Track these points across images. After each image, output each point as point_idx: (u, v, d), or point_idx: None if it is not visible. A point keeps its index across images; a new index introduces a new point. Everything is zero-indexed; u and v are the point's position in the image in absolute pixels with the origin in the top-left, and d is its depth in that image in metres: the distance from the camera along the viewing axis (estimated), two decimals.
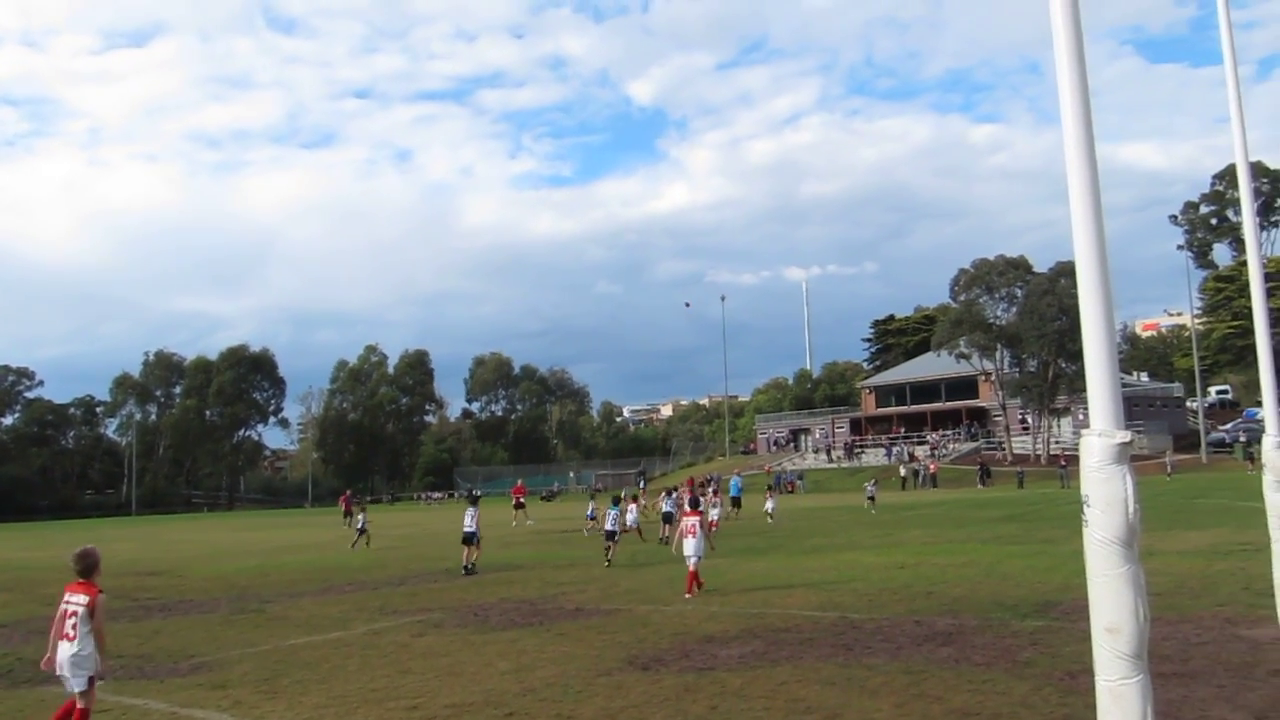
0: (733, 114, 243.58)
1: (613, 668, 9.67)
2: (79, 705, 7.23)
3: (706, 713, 7.71)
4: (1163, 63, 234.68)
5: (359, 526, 30.65)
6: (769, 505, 34.36)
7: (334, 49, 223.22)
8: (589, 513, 33.22)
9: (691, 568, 15.20)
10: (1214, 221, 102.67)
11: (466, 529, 21.01)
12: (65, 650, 7.26)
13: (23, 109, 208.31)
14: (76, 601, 7.38)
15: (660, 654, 10.31)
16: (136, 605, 17.10)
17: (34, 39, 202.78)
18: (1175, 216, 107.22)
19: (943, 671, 8.80)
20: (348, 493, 54.44)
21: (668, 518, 27.42)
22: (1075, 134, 4.33)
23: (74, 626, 7.28)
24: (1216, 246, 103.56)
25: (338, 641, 12.16)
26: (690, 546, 15.28)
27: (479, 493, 32.19)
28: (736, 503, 39.70)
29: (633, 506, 29.22)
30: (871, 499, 39.22)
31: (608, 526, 22.66)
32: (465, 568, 20.39)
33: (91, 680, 7.25)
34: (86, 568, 7.62)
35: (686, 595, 14.88)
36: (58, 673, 7.34)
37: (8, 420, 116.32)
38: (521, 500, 39.80)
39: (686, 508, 17.24)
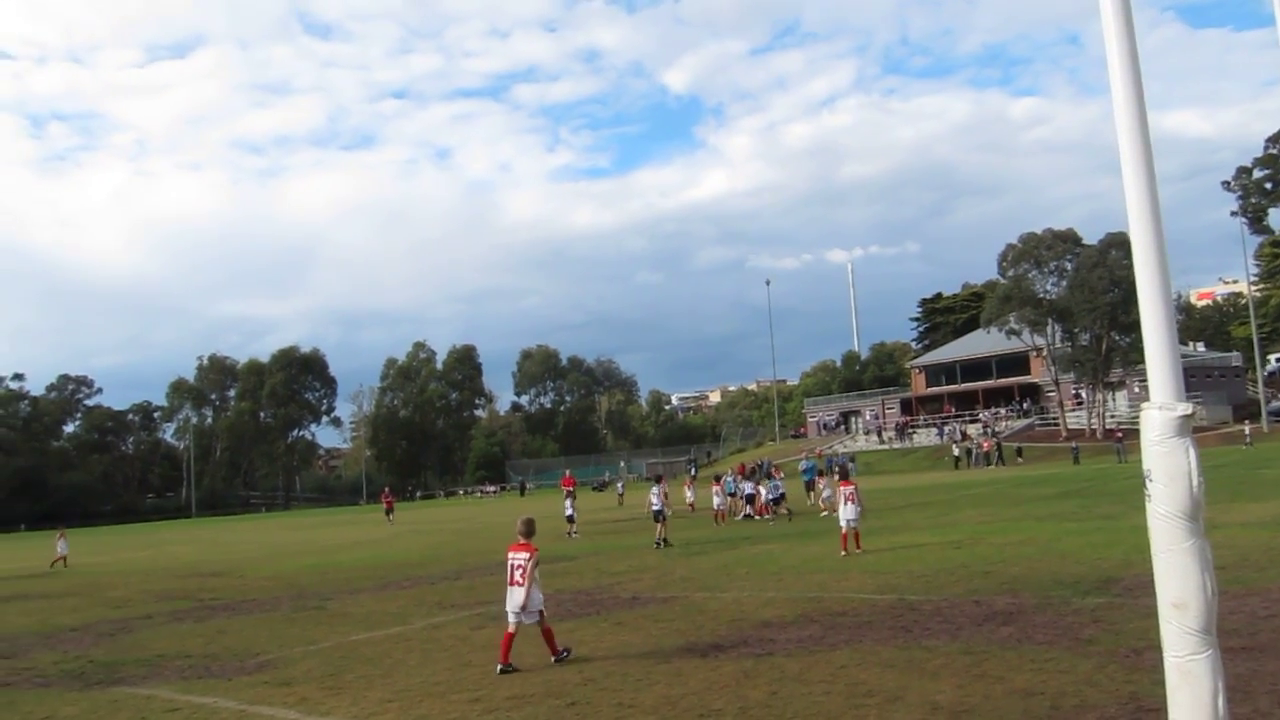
0: (768, 99, 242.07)
1: (671, 655, 9.69)
2: (544, 626, 9.74)
3: (766, 698, 7.70)
4: (1206, 28, 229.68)
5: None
6: (826, 493, 30.06)
7: (370, 51, 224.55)
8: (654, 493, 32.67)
9: (844, 530, 17.75)
10: (1269, 185, 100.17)
11: (654, 507, 23.57)
12: (516, 594, 9.64)
13: (72, 123, 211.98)
14: (520, 557, 9.74)
15: (718, 640, 10.32)
16: (201, 606, 17.41)
17: (79, 55, 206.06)
18: (1228, 182, 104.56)
19: (1004, 651, 8.72)
20: (387, 490, 55.06)
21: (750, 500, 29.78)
22: (1126, 103, 4.25)
23: (522, 575, 9.62)
24: (1272, 211, 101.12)
25: (398, 636, 12.30)
26: (850, 511, 17.71)
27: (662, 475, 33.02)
28: (809, 486, 36.52)
29: (716, 488, 29.71)
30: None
31: (654, 507, 23.85)
32: (657, 543, 22.43)
33: (541, 613, 9.68)
34: (529, 531, 10.14)
35: (842, 552, 17.32)
36: (509, 608, 9.67)
37: (69, 428, 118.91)
38: (571, 490, 39.68)
39: (836, 478, 20.65)
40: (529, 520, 10.39)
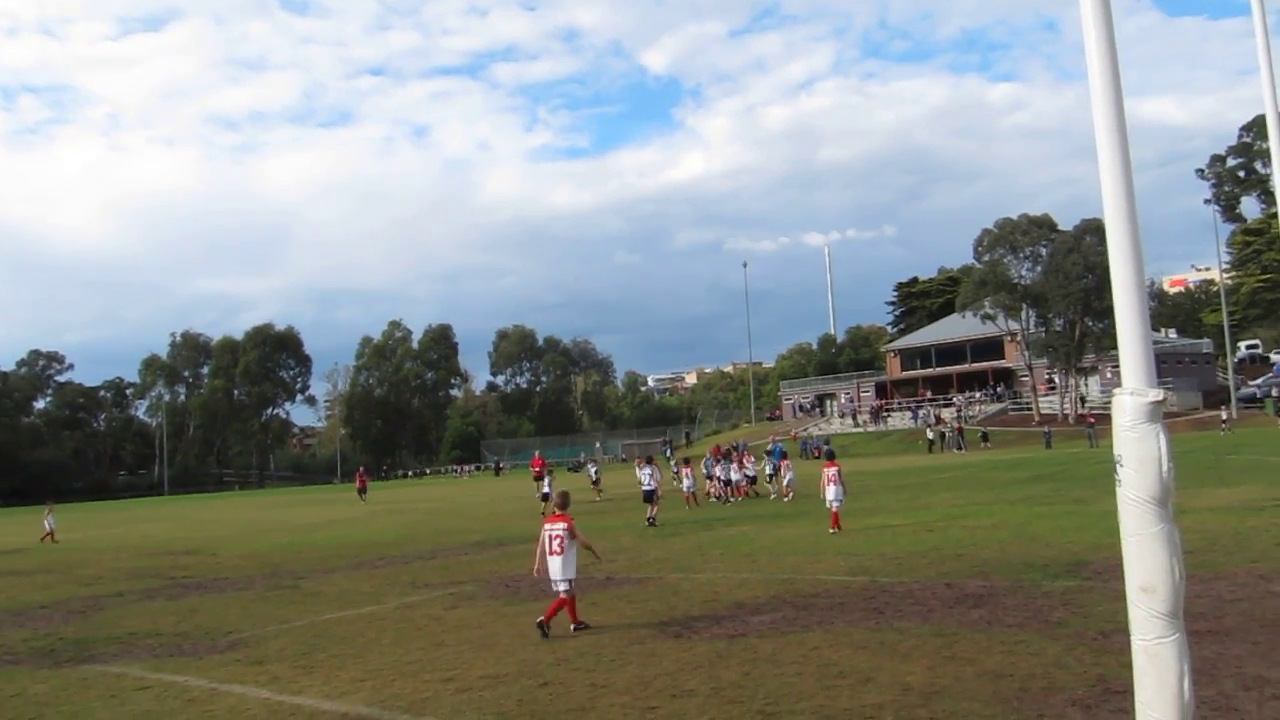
0: (747, 81, 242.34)
1: (645, 636, 9.73)
2: (564, 597, 10.23)
3: (739, 679, 7.75)
4: (1182, 15, 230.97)
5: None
6: (788, 476, 29.18)
7: (348, 27, 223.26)
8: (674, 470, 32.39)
9: (833, 509, 18.43)
10: (1241, 174, 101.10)
11: (646, 487, 24.09)
12: (555, 563, 10.30)
13: (43, 96, 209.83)
14: (558, 528, 10.41)
15: (691, 621, 10.36)
16: (173, 584, 17.33)
17: (51, 27, 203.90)
18: (1202, 170, 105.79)
19: (974, 634, 8.80)
20: (361, 470, 54.83)
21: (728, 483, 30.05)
22: (1103, 89, 4.26)
23: (560, 544, 10.28)
24: (1245, 200, 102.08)
25: (371, 616, 12.28)
26: (834, 492, 18.42)
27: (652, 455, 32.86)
28: (775, 471, 33.17)
29: (685, 470, 29.87)
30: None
31: (646, 486, 24.47)
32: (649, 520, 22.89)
33: (571, 582, 10.32)
34: (564, 503, 11.13)
35: (831, 530, 18.06)
36: (551, 576, 10.39)
37: (40, 404, 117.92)
38: (540, 473, 38.82)
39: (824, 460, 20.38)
40: (564, 493, 11.66)
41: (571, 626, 10.18)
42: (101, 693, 8.77)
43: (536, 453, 44.56)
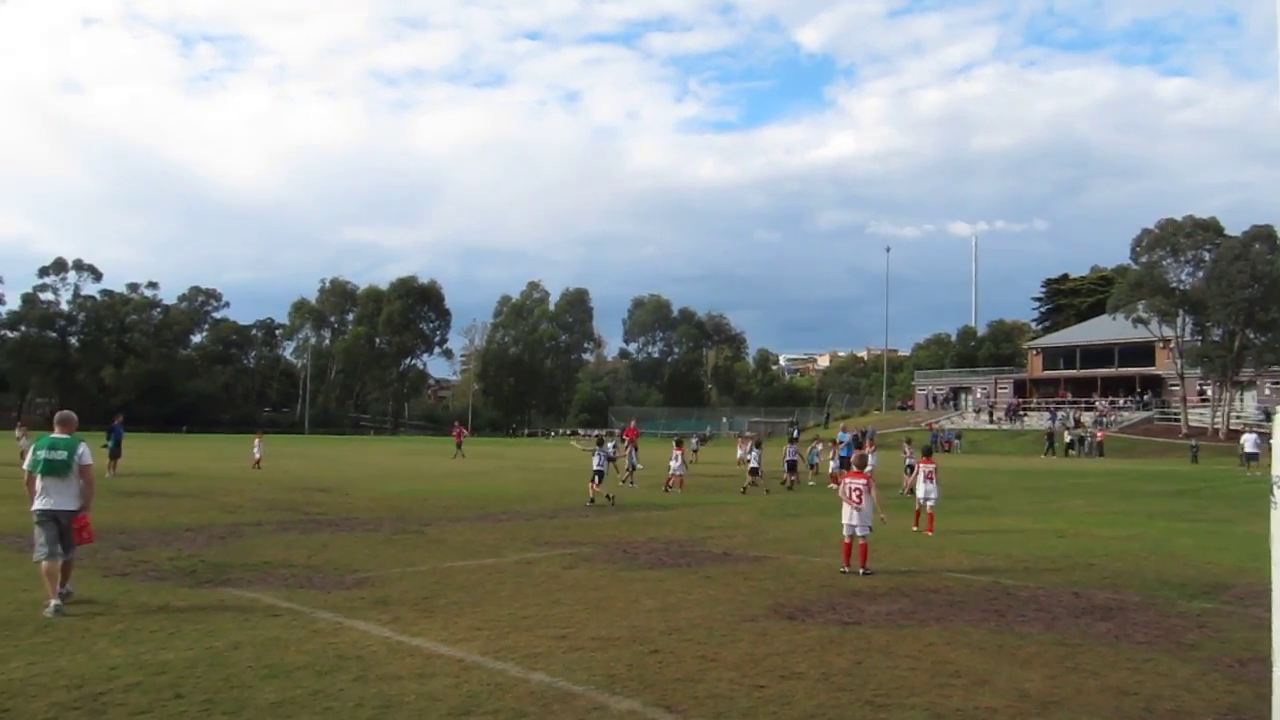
0: (903, 62, 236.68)
1: (758, 614, 9.70)
2: (863, 543, 12.30)
3: (850, 666, 7.66)
4: None
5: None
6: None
7: None
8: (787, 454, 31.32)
9: (928, 509, 17.05)
10: None
11: (596, 467, 22.94)
12: (854, 513, 12.31)
13: (218, 45, 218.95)
14: (858, 483, 12.48)
15: (806, 604, 10.28)
16: (307, 519, 18.07)
17: None
18: None
19: (1100, 647, 8.49)
20: (458, 424, 56.15)
21: (791, 466, 29.00)
22: None
23: (859, 497, 12.35)
24: None
25: (492, 568, 12.57)
26: (929, 490, 16.98)
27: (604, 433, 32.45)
28: (844, 463, 28.16)
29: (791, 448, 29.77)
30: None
31: (752, 464, 25.80)
32: (607, 498, 22.54)
33: (869, 529, 12.38)
34: (862, 463, 13.34)
35: (922, 530, 16.87)
36: (847, 523, 12.39)
37: (196, 338, 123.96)
38: (634, 441, 37.24)
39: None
40: (864, 455, 14.55)
41: (860, 570, 12.10)
42: (235, 615, 9.21)
43: (632, 422, 44.67)
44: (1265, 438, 42.59)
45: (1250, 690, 6.87)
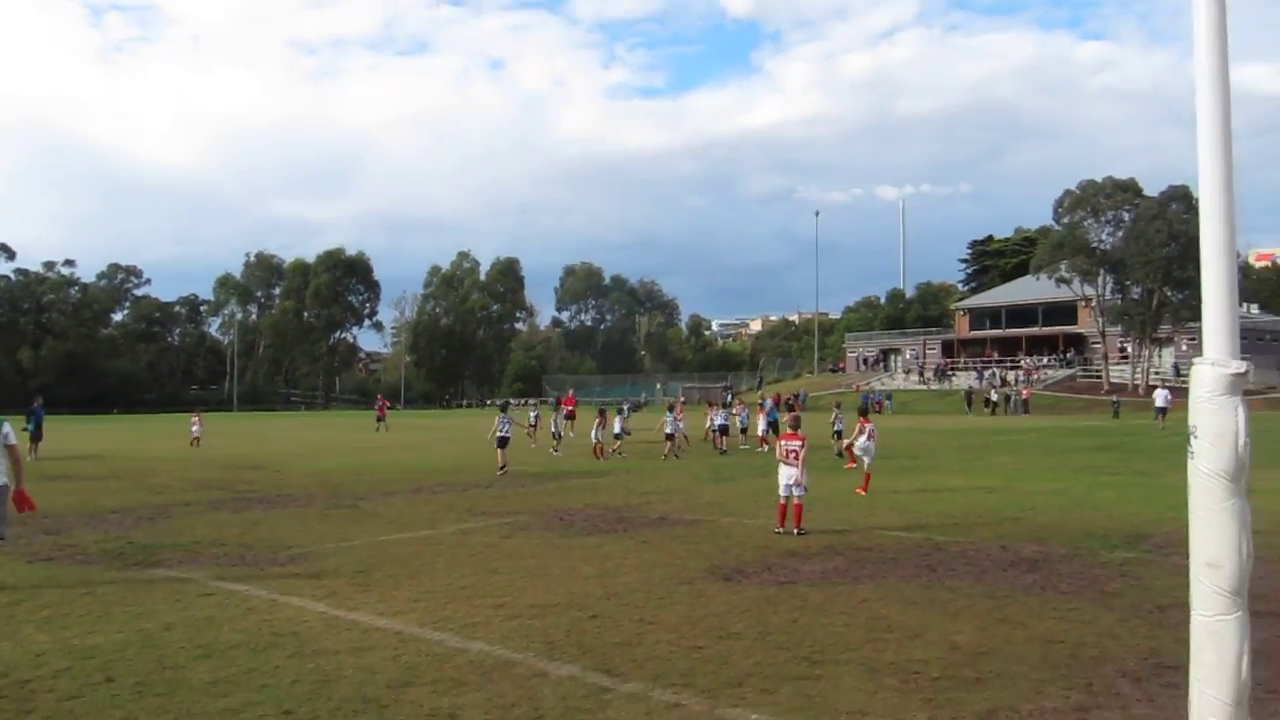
0: (828, 27, 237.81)
1: (695, 577, 9.79)
2: (798, 502, 12.57)
3: (787, 624, 7.77)
4: None
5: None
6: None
7: None
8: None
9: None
10: None
11: (501, 434, 22.94)
12: (790, 472, 12.57)
13: (129, 14, 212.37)
14: (794, 444, 12.81)
15: (742, 565, 10.40)
16: (238, 497, 17.80)
17: None
18: None
19: (1027, 598, 8.72)
20: (380, 397, 55.83)
21: (724, 430, 30.29)
22: (1208, 52, 4.10)
23: (795, 457, 12.65)
24: None
25: (428, 539, 12.51)
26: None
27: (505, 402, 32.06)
28: (774, 427, 28.50)
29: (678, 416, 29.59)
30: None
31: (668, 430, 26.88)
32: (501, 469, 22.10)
33: (805, 490, 12.72)
34: (796, 424, 13.54)
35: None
36: (784, 482, 12.66)
37: (117, 316, 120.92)
38: (572, 411, 38.17)
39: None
40: (798, 416, 14.60)
41: (795, 530, 12.34)
42: (167, 596, 9.06)
43: (570, 391, 44.80)
44: (1175, 392, 44.07)
45: (1169, 635, 7.10)
